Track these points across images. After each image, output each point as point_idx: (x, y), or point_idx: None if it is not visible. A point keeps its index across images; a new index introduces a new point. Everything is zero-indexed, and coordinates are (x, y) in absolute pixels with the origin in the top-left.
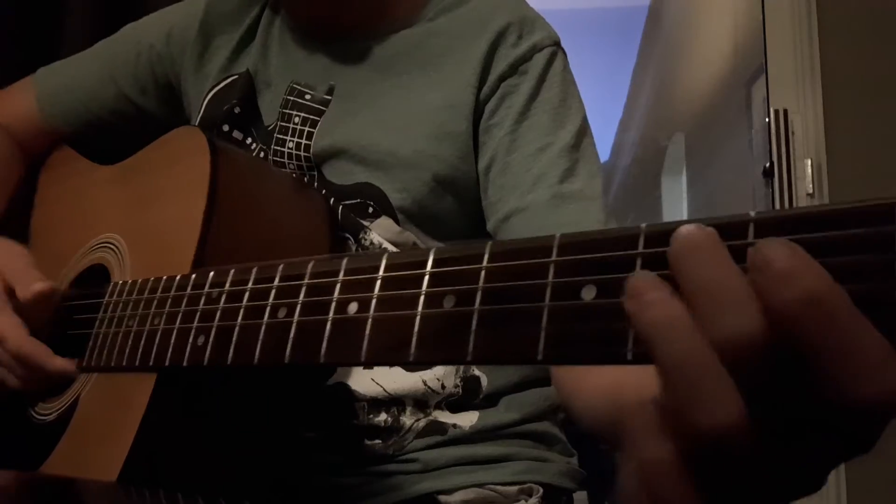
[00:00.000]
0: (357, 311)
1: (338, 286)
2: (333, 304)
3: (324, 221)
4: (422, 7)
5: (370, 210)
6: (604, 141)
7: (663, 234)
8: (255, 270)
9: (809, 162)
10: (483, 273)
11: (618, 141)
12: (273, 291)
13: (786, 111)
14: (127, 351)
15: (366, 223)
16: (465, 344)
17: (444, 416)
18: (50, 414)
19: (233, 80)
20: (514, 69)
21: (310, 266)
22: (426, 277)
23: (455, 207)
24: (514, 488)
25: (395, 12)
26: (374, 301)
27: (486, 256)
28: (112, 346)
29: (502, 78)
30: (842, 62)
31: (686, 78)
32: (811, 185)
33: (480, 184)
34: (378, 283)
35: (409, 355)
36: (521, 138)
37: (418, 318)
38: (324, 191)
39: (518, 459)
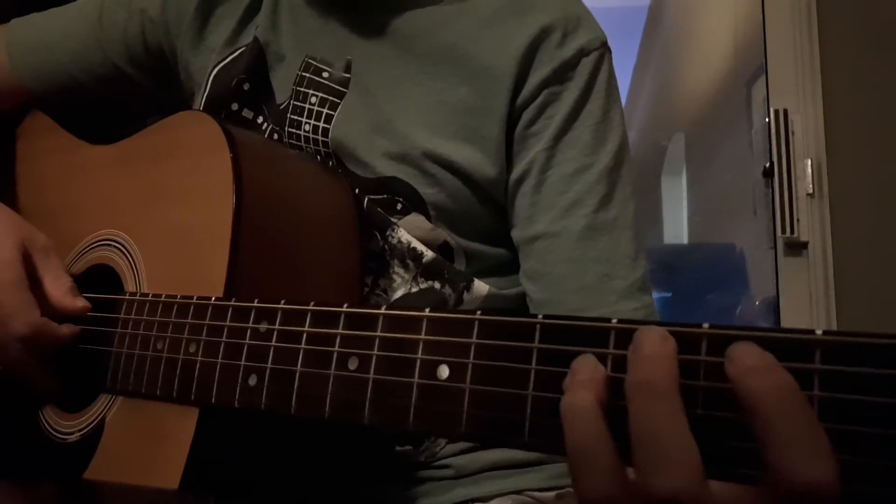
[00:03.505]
0: (449, 378)
1: (420, 344)
2: (418, 364)
3: (350, 214)
4: None
5: (398, 207)
6: None
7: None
8: (312, 306)
9: (809, 162)
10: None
11: None
12: (339, 338)
13: (786, 111)
14: (160, 379)
15: (394, 220)
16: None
17: None
18: (72, 433)
19: (240, 53)
20: (559, 75)
21: (381, 317)
22: (534, 352)
23: (486, 209)
24: (552, 493)
25: None
26: (469, 368)
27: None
28: (140, 371)
29: (545, 84)
30: (842, 62)
31: (686, 78)
32: (811, 185)
33: (509, 191)
34: (473, 348)
35: (525, 442)
36: (560, 154)
37: (530, 397)
38: (348, 179)
39: (554, 462)
